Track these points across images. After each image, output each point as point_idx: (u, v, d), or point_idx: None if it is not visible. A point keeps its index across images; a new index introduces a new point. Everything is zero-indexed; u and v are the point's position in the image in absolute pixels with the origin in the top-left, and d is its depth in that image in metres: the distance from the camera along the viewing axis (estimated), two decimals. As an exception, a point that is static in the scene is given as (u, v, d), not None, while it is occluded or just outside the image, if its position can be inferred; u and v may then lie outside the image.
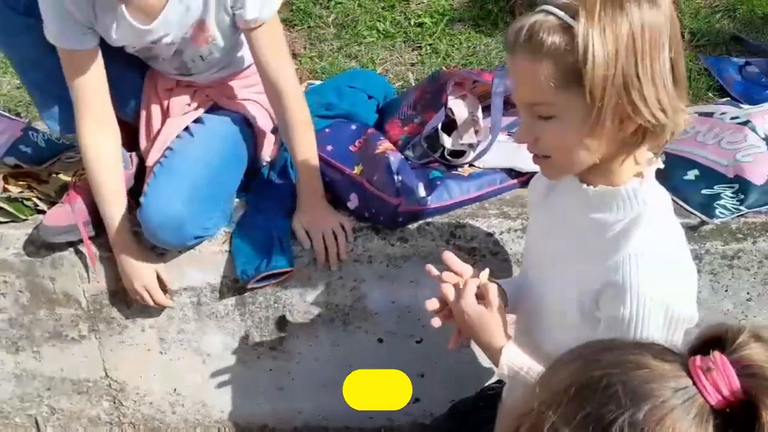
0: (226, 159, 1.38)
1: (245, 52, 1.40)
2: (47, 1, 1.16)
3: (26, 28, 1.23)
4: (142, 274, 1.33)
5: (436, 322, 0.99)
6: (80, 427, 1.61)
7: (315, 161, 1.33)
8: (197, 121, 1.39)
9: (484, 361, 1.47)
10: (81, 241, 1.33)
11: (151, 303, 1.36)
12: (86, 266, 1.39)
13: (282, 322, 1.44)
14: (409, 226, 1.34)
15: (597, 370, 0.47)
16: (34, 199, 1.45)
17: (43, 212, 1.42)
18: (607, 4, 0.73)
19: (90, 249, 1.34)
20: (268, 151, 1.54)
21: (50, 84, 1.29)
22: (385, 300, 1.40)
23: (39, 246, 1.39)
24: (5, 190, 1.47)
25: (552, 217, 0.99)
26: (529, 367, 0.90)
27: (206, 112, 1.42)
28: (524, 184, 1.45)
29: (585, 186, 0.87)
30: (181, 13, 1.22)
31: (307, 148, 1.32)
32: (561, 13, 0.75)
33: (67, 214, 1.32)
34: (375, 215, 1.34)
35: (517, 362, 0.91)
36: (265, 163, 1.54)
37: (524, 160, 1.40)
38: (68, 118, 1.31)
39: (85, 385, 1.54)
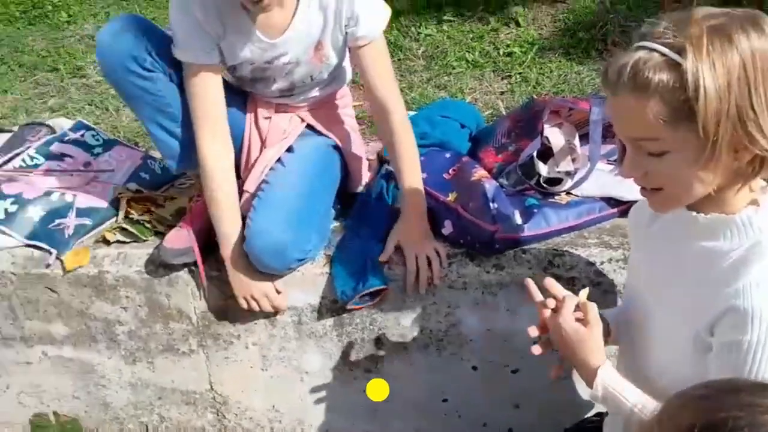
0: (318, 184, 1.46)
1: (344, 72, 1.49)
2: (180, 20, 1.29)
3: (151, 83, 1.34)
4: (259, 283, 1.40)
5: (537, 350, 0.99)
6: (186, 436, 1.71)
7: (420, 181, 1.37)
8: (289, 149, 1.48)
9: (584, 393, 1.44)
10: (195, 262, 1.44)
11: (269, 308, 1.42)
12: (198, 285, 1.49)
13: (378, 345, 1.48)
14: (506, 253, 1.35)
15: (722, 411, 0.47)
16: (153, 222, 1.59)
17: (161, 233, 1.55)
18: (715, 38, 0.73)
19: (202, 270, 1.44)
20: (363, 176, 1.61)
21: (171, 127, 1.41)
22: (481, 327, 1.41)
23: (157, 265, 1.51)
24: (128, 213, 1.62)
25: (657, 246, 0.98)
26: (624, 389, 0.90)
27: (299, 137, 1.51)
28: (624, 213, 1.43)
29: (695, 214, 0.86)
30: (303, 32, 1.32)
31: (413, 166, 1.37)
32: (666, 51, 0.74)
33: (184, 237, 1.43)
34: (470, 242, 1.36)
35: (612, 383, 0.90)
36: (361, 188, 1.60)
37: (624, 189, 1.39)
38: (183, 157, 1.44)
39: (192, 396, 1.64)
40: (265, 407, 1.61)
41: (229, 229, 1.38)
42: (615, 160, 1.43)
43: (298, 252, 1.37)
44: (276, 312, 1.46)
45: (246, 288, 1.40)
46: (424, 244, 1.36)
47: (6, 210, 1.58)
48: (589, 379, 0.92)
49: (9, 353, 1.67)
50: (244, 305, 1.42)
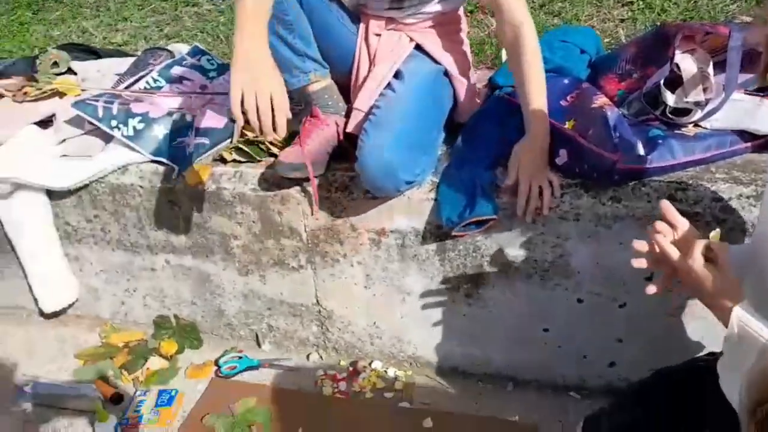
0: (428, 110, 1.45)
1: None
2: None
3: None
4: (271, 79, 1.23)
5: (651, 289, 0.97)
6: (292, 345, 1.82)
7: (545, 108, 1.33)
8: (398, 75, 1.46)
9: (694, 334, 1.40)
10: (307, 179, 1.49)
11: (268, 127, 1.24)
12: (309, 204, 1.55)
13: (479, 272, 1.49)
14: (624, 185, 1.30)
15: None
16: (267, 144, 1.65)
17: (274, 155, 1.61)
18: None
19: (314, 187, 1.49)
20: (472, 105, 1.58)
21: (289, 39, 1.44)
22: (590, 260, 1.38)
23: (271, 184, 1.57)
24: (243, 134, 1.69)
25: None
26: (761, 328, 0.86)
27: (408, 59, 1.49)
28: (758, 148, 1.33)
29: None
30: None
31: (540, 91, 1.33)
32: None
33: (298, 154, 1.48)
34: (588, 171, 1.31)
35: (748, 322, 0.86)
36: (468, 116, 1.58)
37: (761, 122, 1.28)
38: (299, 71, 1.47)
39: (299, 309, 1.74)
40: (366, 323, 1.68)
41: None
42: (754, 91, 1.32)
43: (408, 174, 1.38)
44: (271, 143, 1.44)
45: (252, 82, 1.20)
46: (541, 172, 1.33)
47: (134, 128, 1.70)
48: (724, 318, 0.89)
49: (136, 260, 1.83)
50: (238, 113, 1.22)
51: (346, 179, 1.52)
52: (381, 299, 1.62)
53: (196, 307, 1.86)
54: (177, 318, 1.89)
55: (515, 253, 1.44)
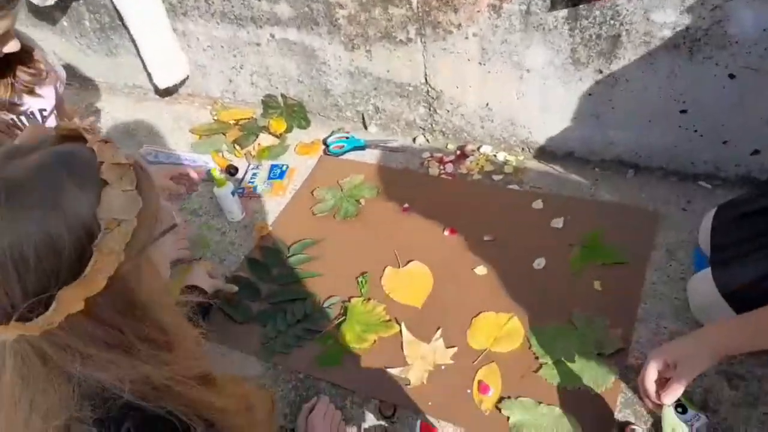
0: None
1: None
2: None
3: None
4: None
5: None
6: (398, 128, 1.78)
7: None
8: None
9: None
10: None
11: None
12: (422, -37, 1.38)
13: (616, 42, 1.30)
14: None
15: None
16: None
17: None
18: None
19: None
20: None
21: None
22: (755, 26, 1.16)
23: (379, -60, 1.40)
24: None
25: None
26: None
27: None
28: None
29: None
30: None
31: None
32: None
33: None
34: None
35: None
36: None
37: None
38: None
39: (406, 89, 1.66)
40: (477, 104, 1.58)
41: None
42: None
43: None
44: None
45: None
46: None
47: None
48: None
49: (242, 34, 1.78)
50: None
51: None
52: (496, 77, 1.50)
53: (303, 86, 1.83)
54: (284, 97, 1.88)
55: (663, 19, 1.23)
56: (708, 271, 1.12)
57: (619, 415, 1.05)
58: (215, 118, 1.97)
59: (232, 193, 1.55)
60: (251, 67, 1.87)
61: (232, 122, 1.93)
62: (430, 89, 1.62)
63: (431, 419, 1.10)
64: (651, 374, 0.92)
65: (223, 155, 1.82)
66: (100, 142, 0.61)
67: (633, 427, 1.03)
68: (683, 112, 1.34)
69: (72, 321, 0.54)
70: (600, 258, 1.31)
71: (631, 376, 1.10)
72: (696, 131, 1.36)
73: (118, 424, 0.58)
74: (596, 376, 1.10)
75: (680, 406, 1.02)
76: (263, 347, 1.28)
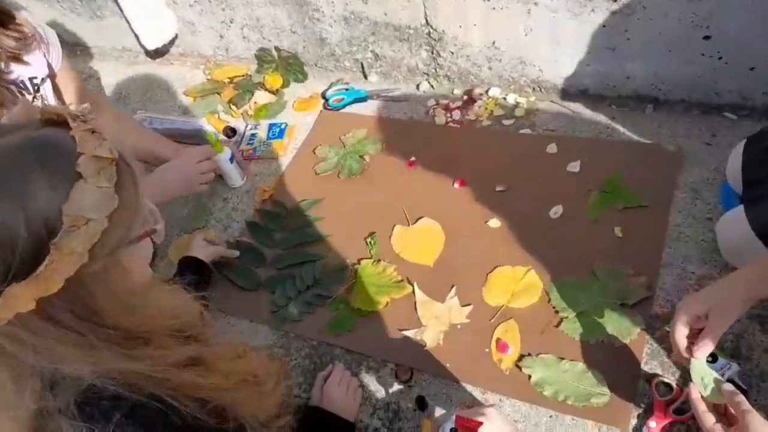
0: None
1: None
2: None
3: None
4: None
5: None
6: (399, 75, 1.69)
7: None
8: None
9: None
10: None
11: None
12: None
13: (630, -35, 1.19)
14: None
15: None
16: None
17: None
18: None
19: None
20: None
21: None
22: (788, -67, 1.04)
23: None
24: None
25: None
26: None
27: None
28: None
29: None
30: None
31: None
32: None
33: None
34: None
35: None
36: None
37: None
38: None
39: (406, 32, 1.55)
40: (483, 44, 1.48)
41: None
42: None
43: None
44: None
45: None
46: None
47: None
48: None
49: (227, -15, 1.68)
50: None
51: None
52: (502, 12, 1.39)
53: (297, 36, 1.73)
54: (278, 50, 1.79)
55: (681, -65, 1.11)
56: (740, 209, 1.04)
57: (646, 367, 1.01)
58: (208, 77, 1.89)
59: (230, 160, 1.48)
60: (241, 20, 1.77)
61: (226, 81, 1.85)
62: (431, 30, 1.52)
63: (450, 385, 1.07)
64: (681, 330, 0.87)
65: (219, 116, 1.75)
66: (85, 132, 0.55)
67: (661, 378, 0.98)
68: (707, 38, 1.23)
69: (24, 319, 0.50)
70: (620, 202, 1.24)
71: (656, 325, 1.05)
72: (720, 58, 1.25)
73: (107, 416, 0.56)
74: (620, 328, 1.05)
75: (711, 355, 0.97)
76: (273, 315, 1.24)
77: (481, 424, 0.79)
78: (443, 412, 1.04)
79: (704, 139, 1.31)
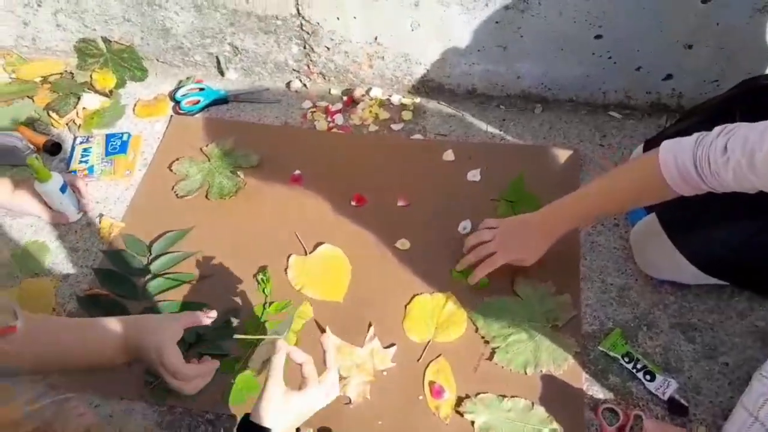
0: None
1: None
2: None
3: None
4: None
5: None
6: (265, 72, 1.46)
7: None
8: None
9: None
10: None
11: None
12: None
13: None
14: None
15: None
16: None
17: None
18: None
19: None
20: None
21: None
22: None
23: None
24: None
25: None
26: None
27: None
28: None
29: None
30: None
31: None
32: None
33: None
34: None
35: None
36: None
37: None
38: None
39: (273, 23, 1.33)
40: (364, 39, 1.32)
41: None
42: None
43: None
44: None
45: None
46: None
47: None
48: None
49: (30, -42, 1.30)
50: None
51: None
52: (385, 5, 1.24)
53: (132, 25, 1.41)
54: (107, 41, 1.45)
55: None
56: (650, 217, 1.04)
57: (589, 392, 0.96)
58: (12, 76, 1.48)
59: (62, 189, 1.16)
60: (54, 4, 1.39)
61: (38, 80, 1.46)
62: (303, 22, 1.32)
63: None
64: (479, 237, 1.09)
65: (34, 128, 1.38)
66: None
67: (605, 405, 0.94)
68: (598, 37, 1.20)
69: None
70: (526, 210, 1.17)
71: (590, 345, 1.00)
72: (610, 58, 1.24)
73: None
74: (555, 354, 0.99)
75: (648, 373, 0.95)
76: (150, 388, 0.99)
77: None
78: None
79: (596, 140, 1.30)
